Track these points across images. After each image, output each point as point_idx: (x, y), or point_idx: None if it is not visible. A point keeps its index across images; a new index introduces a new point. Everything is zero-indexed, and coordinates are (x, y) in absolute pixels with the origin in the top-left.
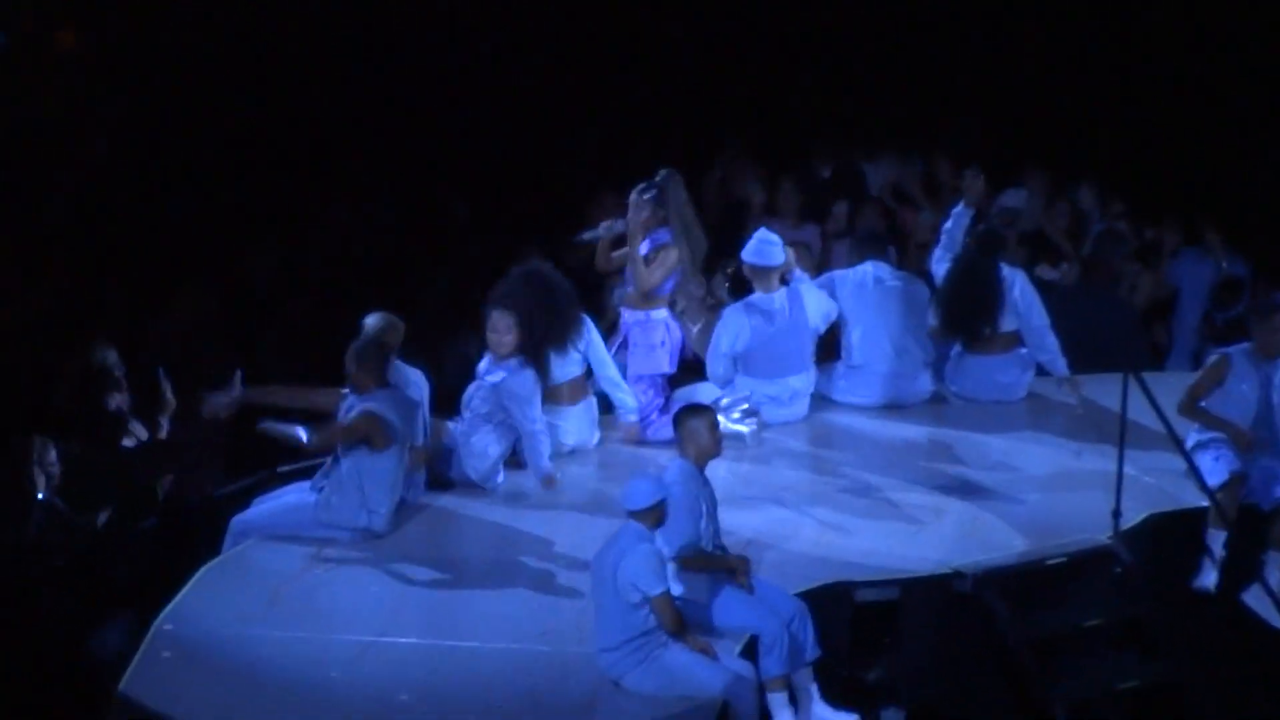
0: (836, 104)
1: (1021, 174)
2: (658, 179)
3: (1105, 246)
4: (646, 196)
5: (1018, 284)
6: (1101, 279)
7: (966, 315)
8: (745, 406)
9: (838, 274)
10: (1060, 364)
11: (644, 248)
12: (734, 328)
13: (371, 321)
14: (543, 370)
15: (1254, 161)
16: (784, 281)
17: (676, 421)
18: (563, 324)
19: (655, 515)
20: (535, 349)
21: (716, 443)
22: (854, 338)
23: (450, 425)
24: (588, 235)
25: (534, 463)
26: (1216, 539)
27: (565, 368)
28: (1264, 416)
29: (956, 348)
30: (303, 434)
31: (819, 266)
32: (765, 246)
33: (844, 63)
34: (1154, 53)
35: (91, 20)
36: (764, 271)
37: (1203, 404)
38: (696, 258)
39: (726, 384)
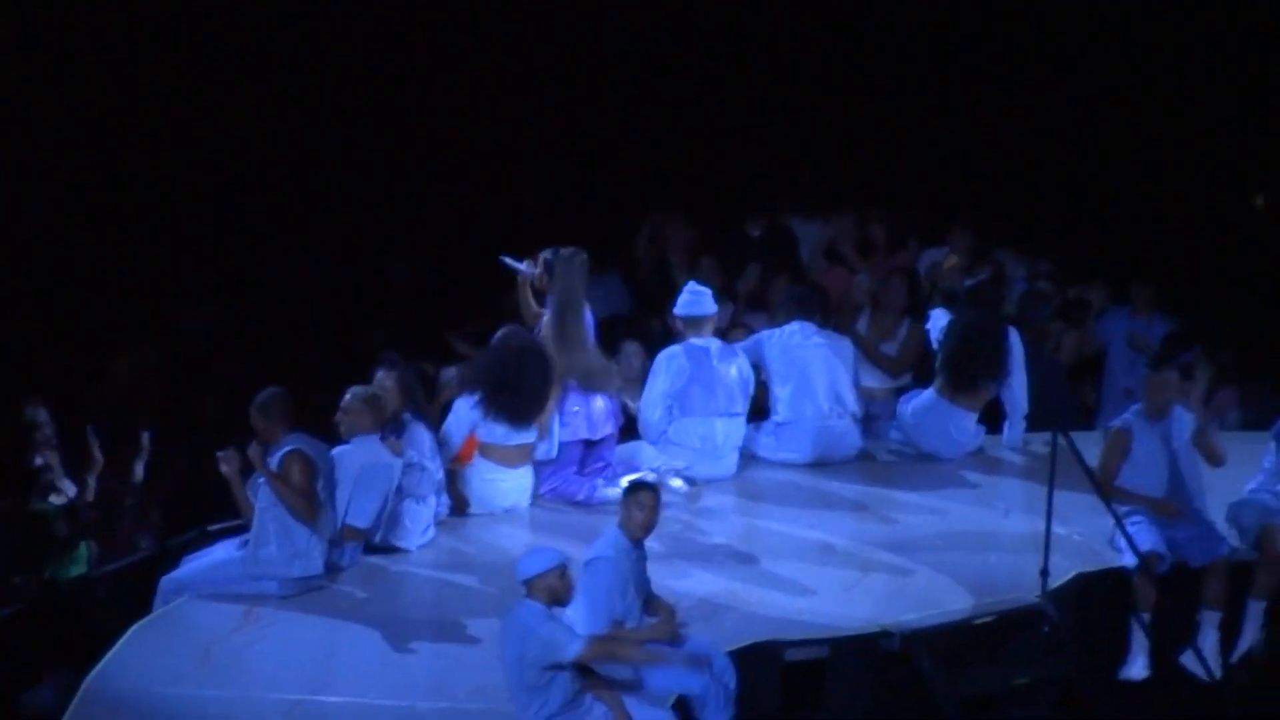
0: (768, 163)
1: (947, 233)
2: (554, 255)
3: (1029, 306)
4: (540, 260)
5: (1013, 341)
6: (1027, 338)
7: (971, 370)
8: (680, 478)
9: (764, 334)
10: (1020, 425)
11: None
12: (673, 366)
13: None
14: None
15: (1183, 220)
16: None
17: (626, 493)
18: (523, 400)
19: (547, 586)
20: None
21: (656, 520)
22: (782, 395)
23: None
24: (510, 261)
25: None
26: (1139, 623)
27: (519, 433)
28: (1173, 477)
29: (926, 398)
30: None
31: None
32: (696, 297)
33: (777, 122)
34: (1083, 111)
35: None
36: (697, 321)
37: (1117, 482)
38: (568, 345)
39: (660, 434)
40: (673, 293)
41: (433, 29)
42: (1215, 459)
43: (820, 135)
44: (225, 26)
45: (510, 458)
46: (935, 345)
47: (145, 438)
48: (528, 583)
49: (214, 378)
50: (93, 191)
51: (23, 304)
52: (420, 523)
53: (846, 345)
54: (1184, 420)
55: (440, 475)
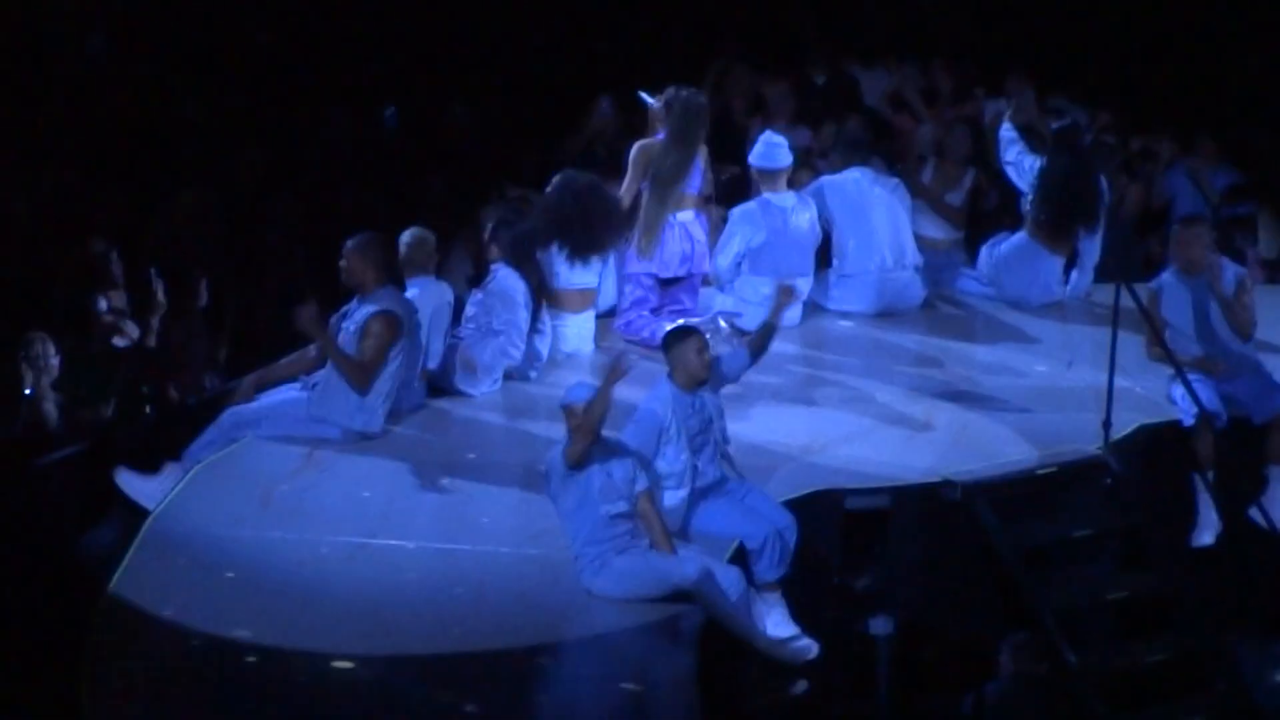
0: (831, 10)
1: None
2: (675, 93)
3: (1095, 157)
4: (657, 102)
5: (1104, 188)
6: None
7: (1070, 213)
8: (734, 322)
9: (826, 180)
10: (1090, 274)
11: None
12: (749, 226)
13: (406, 237)
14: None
15: (1249, 74)
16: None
17: (665, 345)
18: (587, 237)
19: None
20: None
21: (705, 366)
22: (845, 245)
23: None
24: (645, 97)
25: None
26: (1204, 481)
27: (580, 275)
28: (1213, 333)
29: (1018, 241)
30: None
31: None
32: (772, 149)
33: None
34: None
35: None
36: (772, 174)
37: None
38: (664, 177)
39: (729, 284)
40: (737, 140)
41: None
42: (1242, 329)
43: None
44: None
45: (573, 302)
46: (1019, 186)
47: (204, 286)
48: (566, 408)
49: (271, 220)
50: (150, 32)
51: (85, 144)
52: (493, 371)
53: (903, 193)
54: (1229, 274)
55: (526, 324)
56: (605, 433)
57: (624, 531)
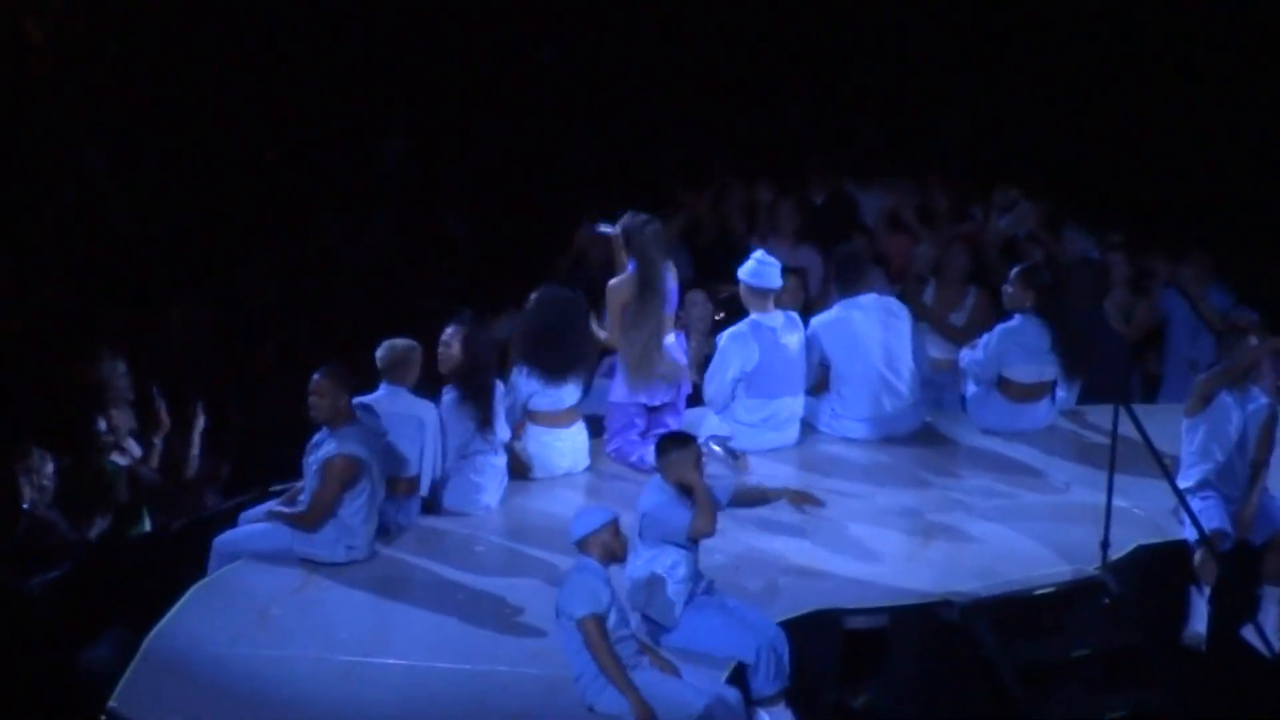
0: (830, 130)
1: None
2: (627, 221)
3: (1082, 277)
4: (614, 229)
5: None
6: (1086, 308)
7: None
8: (727, 444)
9: (818, 324)
10: (1075, 389)
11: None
12: (742, 350)
13: (386, 346)
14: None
15: (1244, 191)
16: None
17: (659, 450)
18: (563, 356)
19: (600, 543)
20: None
21: (699, 474)
22: (842, 385)
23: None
24: (605, 228)
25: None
26: (1199, 595)
27: (564, 394)
28: (1238, 447)
29: (997, 396)
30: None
31: (823, 284)
32: (765, 268)
33: (838, 89)
34: (1147, 80)
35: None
36: (762, 294)
37: (1195, 421)
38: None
39: (723, 409)
40: (735, 257)
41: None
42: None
43: (879, 100)
44: None
45: (559, 420)
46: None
47: (199, 408)
48: (581, 542)
49: (270, 335)
50: (146, 144)
51: (84, 258)
52: (480, 487)
53: (905, 322)
54: (1259, 400)
55: (506, 437)
56: None
57: (630, 652)
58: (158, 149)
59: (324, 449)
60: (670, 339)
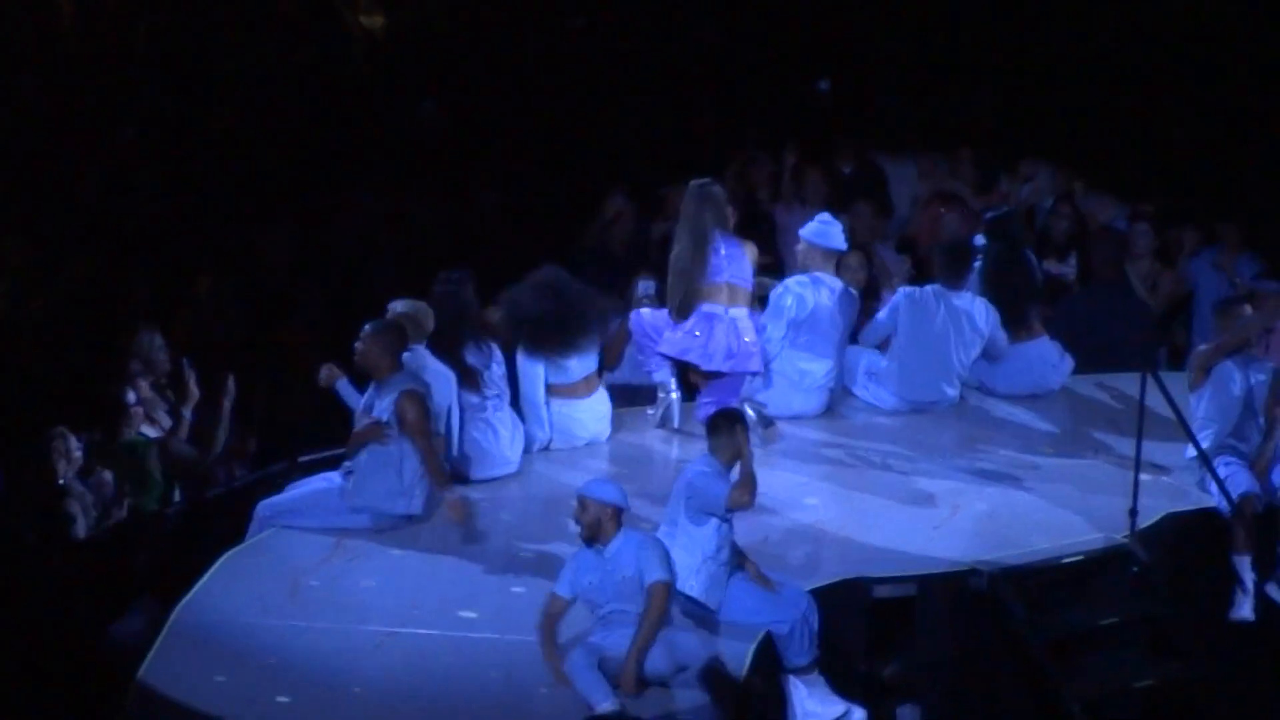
0: (856, 102)
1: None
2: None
3: (1104, 247)
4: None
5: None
6: (1105, 276)
7: (1014, 304)
8: (762, 410)
9: (906, 292)
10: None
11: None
12: (800, 294)
13: (399, 306)
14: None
15: (1273, 162)
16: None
17: (711, 427)
18: (567, 333)
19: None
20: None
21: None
22: (897, 357)
23: None
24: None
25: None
26: (1243, 565)
27: (572, 367)
28: (1243, 412)
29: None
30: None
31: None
32: (829, 228)
33: (862, 60)
34: (1179, 49)
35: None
36: (826, 254)
37: (1200, 390)
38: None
39: (775, 355)
40: (762, 229)
41: None
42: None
43: (909, 72)
44: None
45: (577, 390)
46: None
47: (230, 381)
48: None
49: (298, 307)
50: (177, 116)
51: (115, 235)
52: (485, 446)
53: (979, 331)
54: (1266, 365)
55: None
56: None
57: (625, 622)
58: (188, 121)
59: (386, 399)
60: (743, 312)
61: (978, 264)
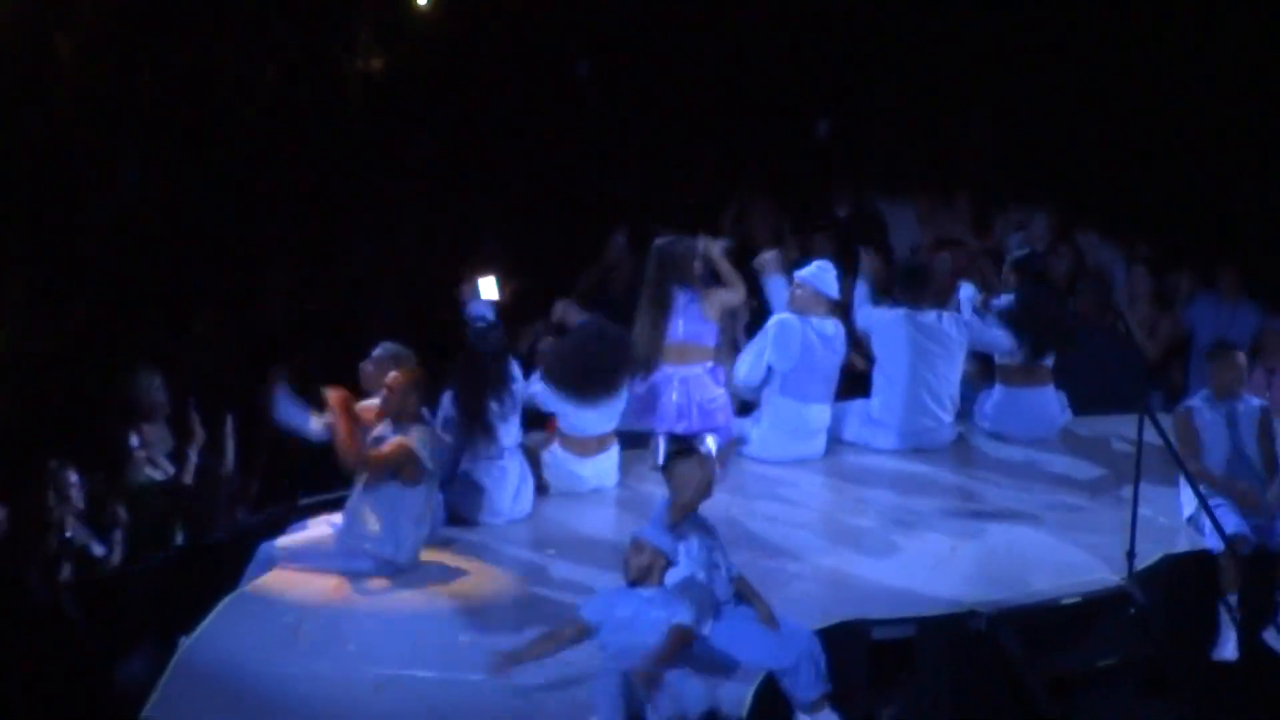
0: (853, 144)
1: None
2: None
3: (1092, 290)
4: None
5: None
6: (1099, 321)
7: (1038, 342)
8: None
9: (878, 315)
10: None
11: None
12: (786, 337)
13: (380, 352)
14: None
15: (1272, 205)
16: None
17: (665, 470)
18: (596, 387)
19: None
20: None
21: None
22: (881, 386)
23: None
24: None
25: None
26: (1228, 605)
27: (589, 420)
28: (1239, 460)
29: (997, 388)
30: (314, 427)
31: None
32: (826, 274)
33: (862, 103)
34: (1173, 96)
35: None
36: (819, 299)
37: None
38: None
39: (749, 386)
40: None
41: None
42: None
43: (905, 115)
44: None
45: (588, 448)
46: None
47: (229, 424)
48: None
49: (298, 350)
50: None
51: (117, 276)
52: (489, 494)
53: (958, 344)
54: (1252, 405)
55: (514, 441)
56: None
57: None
58: (188, 162)
59: (392, 437)
60: (697, 370)
61: (1000, 303)
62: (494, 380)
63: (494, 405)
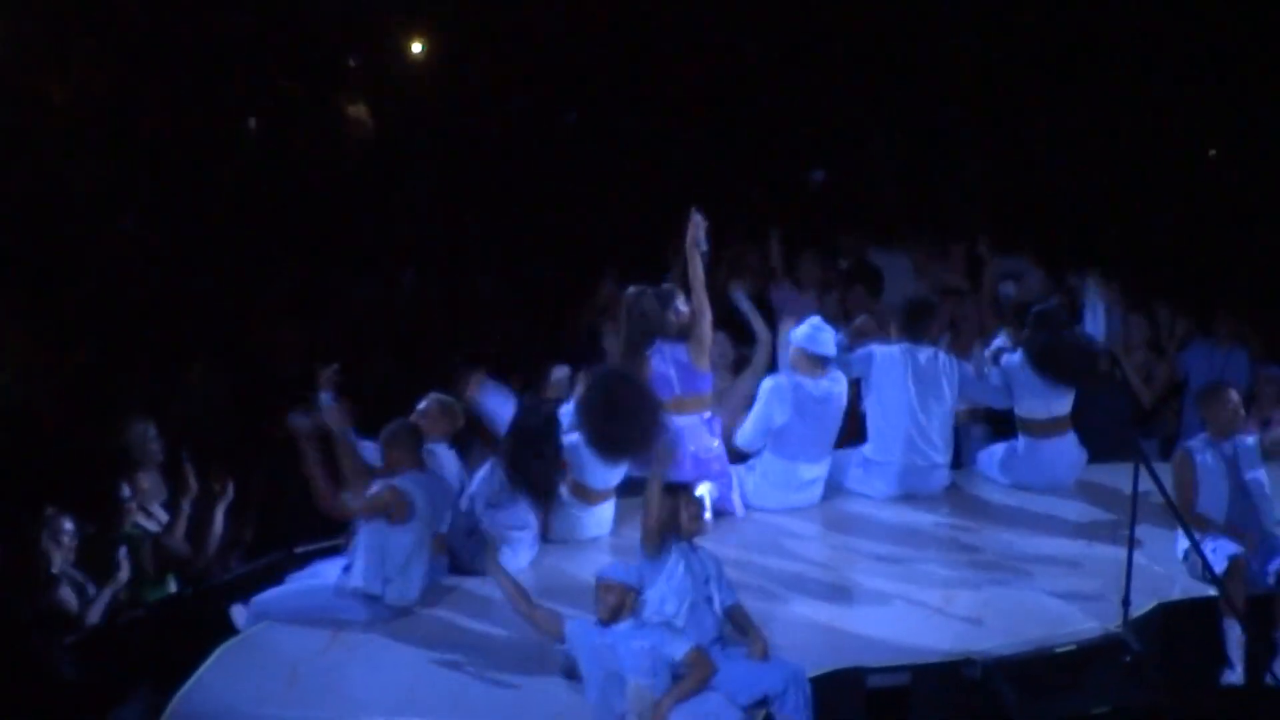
0: (850, 195)
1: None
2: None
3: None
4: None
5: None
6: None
7: (1059, 387)
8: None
9: (879, 351)
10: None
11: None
12: (779, 402)
13: (424, 404)
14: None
15: (1266, 252)
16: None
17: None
18: (613, 444)
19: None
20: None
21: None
22: (876, 426)
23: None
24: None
25: None
26: (1232, 630)
27: (614, 474)
28: (1240, 500)
29: (1021, 440)
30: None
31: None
32: (820, 334)
33: (854, 150)
34: (1168, 142)
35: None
36: (813, 359)
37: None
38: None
39: (753, 449)
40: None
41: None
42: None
43: (900, 162)
44: (300, 46)
45: (595, 498)
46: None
47: (229, 485)
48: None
49: (293, 398)
50: (184, 209)
51: (114, 324)
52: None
53: (953, 382)
54: (1248, 445)
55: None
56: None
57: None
58: (182, 211)
59: (382, 484)
60: (693, 420)
61: (1014, 359)
62: (548, 454)
63: (556, 478)
